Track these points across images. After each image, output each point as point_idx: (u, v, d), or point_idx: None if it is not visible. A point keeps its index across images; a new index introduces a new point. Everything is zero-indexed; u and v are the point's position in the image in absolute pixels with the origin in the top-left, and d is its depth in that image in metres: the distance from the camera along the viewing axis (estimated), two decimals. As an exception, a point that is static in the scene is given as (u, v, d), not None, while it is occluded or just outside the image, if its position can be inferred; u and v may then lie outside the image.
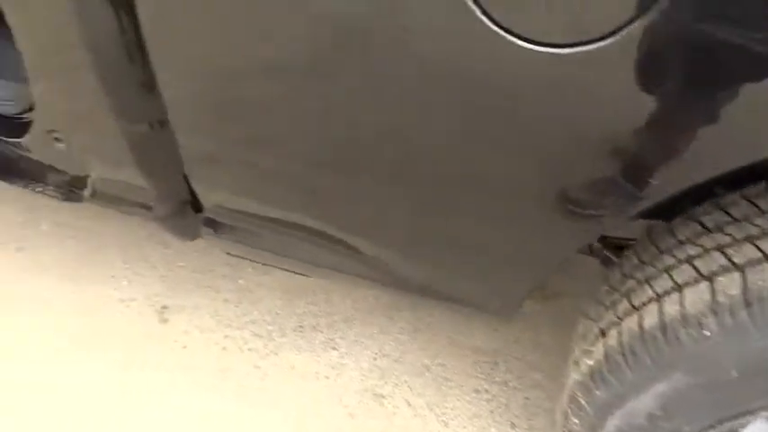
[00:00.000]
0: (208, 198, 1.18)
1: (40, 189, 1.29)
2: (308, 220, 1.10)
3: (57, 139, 1.20)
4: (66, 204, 1.35)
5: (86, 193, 1.27)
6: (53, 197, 1.29)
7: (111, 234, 1.95)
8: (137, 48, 0.95)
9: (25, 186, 1.31)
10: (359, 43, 0.80)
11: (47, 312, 1.71)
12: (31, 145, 1.24)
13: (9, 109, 1.26)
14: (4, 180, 1.33)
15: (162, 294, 1.79)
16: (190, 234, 1.27)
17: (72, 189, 1.28)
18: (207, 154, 1.10)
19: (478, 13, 0.68)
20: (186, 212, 1.22)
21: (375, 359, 1.64)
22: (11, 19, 1.06)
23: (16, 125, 1.25)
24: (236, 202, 1.16)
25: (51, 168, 1.26)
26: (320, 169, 1.02)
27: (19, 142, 1.24)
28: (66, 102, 1.17)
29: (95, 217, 1.93)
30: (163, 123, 1.07)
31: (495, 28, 0.68)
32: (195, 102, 1.03)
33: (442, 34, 0.72)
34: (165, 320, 1.72)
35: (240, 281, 1.85)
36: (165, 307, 1.76)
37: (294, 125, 0.96)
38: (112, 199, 1.26)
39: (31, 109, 1.22)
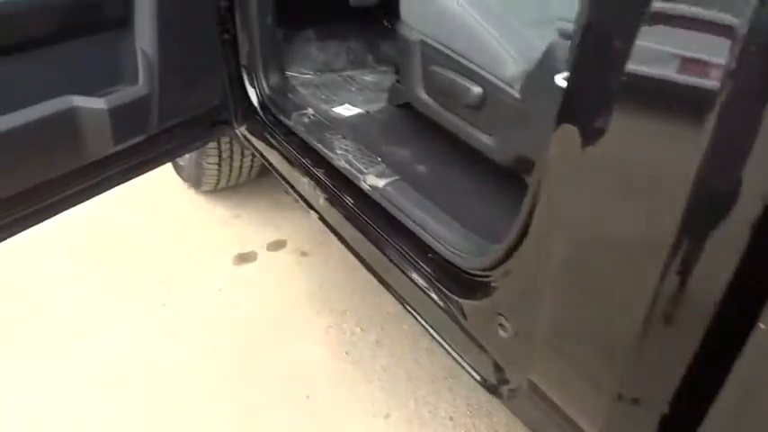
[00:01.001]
0: None
1: (457, 358, 1.16)
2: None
3: (501, 325, 1.05)
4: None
5: (504, 392, 1.09)
6: (468, 372, 1.15)
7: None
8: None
9: (441, 344, 1.19)
10: None
11: (350, 417, 1.66)
12: (471, 313, 1.11)
13: (462, 261, 1.15)
14: (425, 326, 1.24)
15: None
16: None
17: (492, 378, 1.11)
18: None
19: None
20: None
21: None
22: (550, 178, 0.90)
23: (467, 283, 1.13)
24: None
25: (481, 346, 1.12)
26: None
27: (459, 303, 1.12)
28: (540, 299, 0.97)
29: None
30: (636, 401, 0.84)
31: None
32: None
33: None
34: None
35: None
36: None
37: None
38: (530, 417, 1.07)
39: (490, 269, 1.08)
